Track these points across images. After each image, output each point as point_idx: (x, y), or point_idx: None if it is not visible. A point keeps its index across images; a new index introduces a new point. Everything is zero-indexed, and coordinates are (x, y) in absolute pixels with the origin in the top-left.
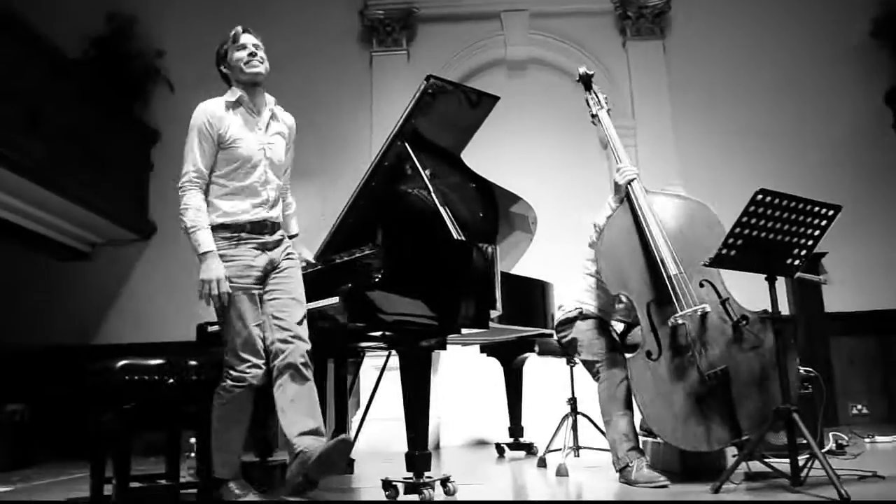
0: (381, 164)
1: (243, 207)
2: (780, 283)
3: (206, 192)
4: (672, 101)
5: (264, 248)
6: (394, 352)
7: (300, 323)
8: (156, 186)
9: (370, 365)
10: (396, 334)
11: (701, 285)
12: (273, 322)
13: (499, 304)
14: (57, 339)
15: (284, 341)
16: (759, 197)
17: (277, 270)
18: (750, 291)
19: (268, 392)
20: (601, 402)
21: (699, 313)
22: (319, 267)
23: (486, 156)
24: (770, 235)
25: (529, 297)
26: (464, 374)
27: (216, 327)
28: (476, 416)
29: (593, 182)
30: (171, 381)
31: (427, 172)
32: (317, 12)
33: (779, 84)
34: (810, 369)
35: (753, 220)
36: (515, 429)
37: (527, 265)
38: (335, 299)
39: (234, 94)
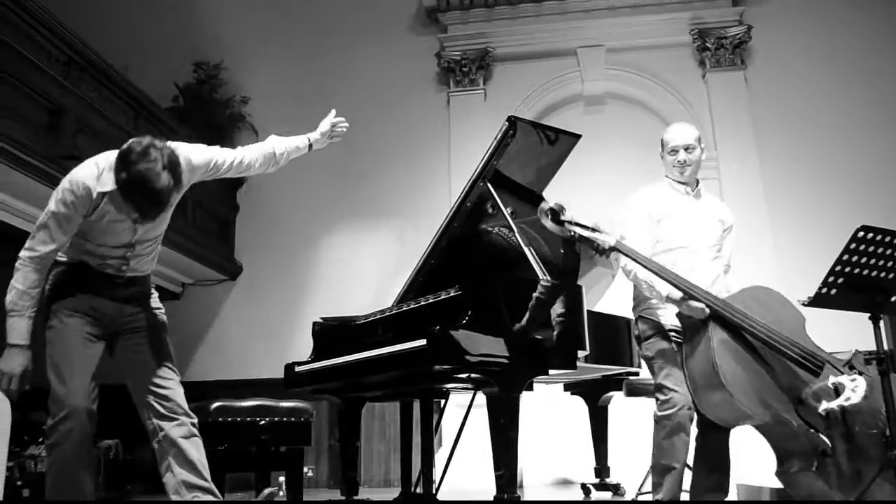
0: (463, 205)
1: (97, 261)
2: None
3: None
4: (755, 132)
5: (112, 299)
6: (480, 391)
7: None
8: (242, 228)
9: (453, 402)
10: (483, 376)
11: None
12: (148, 394)
13: (587, 344)
14: None
15: (168, 414)
16: (861, 234)
17: (138, 329)
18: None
19: (354, 428)
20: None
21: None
22: (404, 309)
23: (566, 192)
24: (873, 273)
25: (615, 335)
26: (548, 413)
27: (305, 367)
28: (560, 455)
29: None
30: (263, 422)
31: (509, 210)
32: (395, 56)
33: (867, 112)
34: None
35: (854, 258)
36: (601, 469)
37: (609, 302)
38: (422, 341)
39: (106, 185)
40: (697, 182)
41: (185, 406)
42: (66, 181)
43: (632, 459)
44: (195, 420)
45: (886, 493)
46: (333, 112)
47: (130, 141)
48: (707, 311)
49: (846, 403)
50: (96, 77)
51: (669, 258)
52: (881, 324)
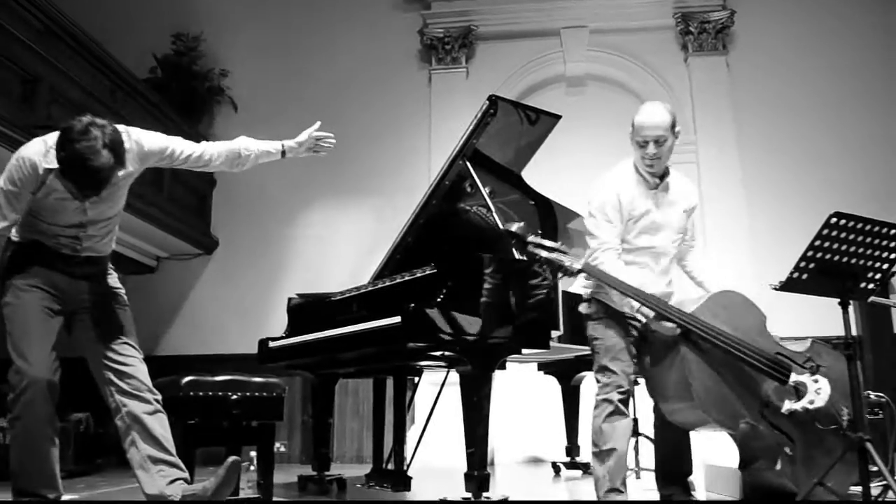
0: (442, 183)
1: (51, 241)
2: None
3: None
4: (735, 116)
5: (71, 275)
6: (453, 369)
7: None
8: (219, 202)
9: (427, 381)
10: (457, 354)
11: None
12: (109, 371)
13: (560, 325)
14: None
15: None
16: (834, 220)
17: (97, 306)
18: (811, 314)
19: (327, 404)
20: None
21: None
22: (379, 286)
23: (546, 172)
24: (844, 259)
25: None
26: (520, 392)
27: (278, 342)
28: (532, 434)
29: None
30: (235, 397)
31: (487, 190)
32: (377, 32)
33: (846, 99)
34: (881, 394)
35: (827, 244)
36: (572, 448)
37: (584, 282)
38: (397, 318)
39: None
40: (667, 169)
41: (148, 382)
42: (14, 157)
43: None
44: (159, 396)
45: (841, 478)
46: (318, 124)
47: (73, 119)
48: (678, 330)
49: (810, 406)
50: (72, 46)
51: (634, 258)
52: (850, 309)
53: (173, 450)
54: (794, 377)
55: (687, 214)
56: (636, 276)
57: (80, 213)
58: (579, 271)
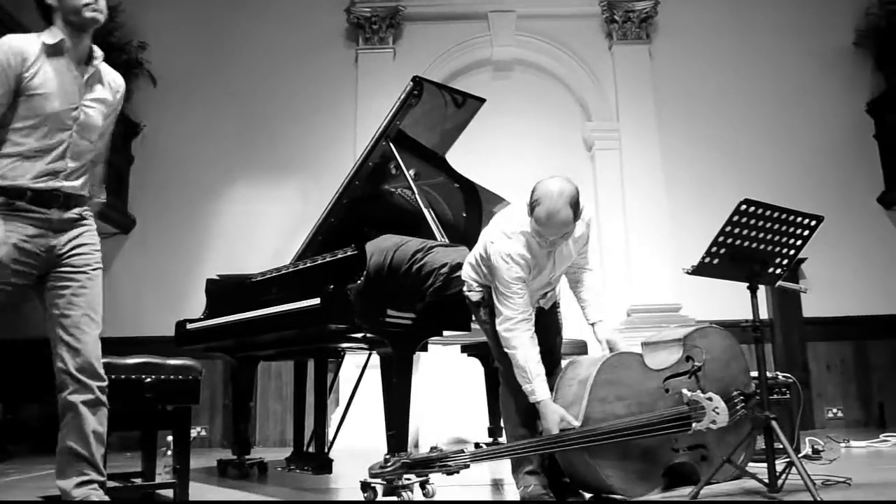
0: (365, 164)
1: (28, 170)
2: (760, 289)
3: None
4: (657, 105)
5: (49, 226)
6: (374, 351)
7: (95, 348)
8: (136, 180)
9: (351, 362)
10: (378, 336)
11: (667, 389)
12: (62, 343)
13: None
14: (33, 333)
15: (69, 346)
16: (744, 207)
17: (69, 267)
18: (731, 298)
19: (247, 387)
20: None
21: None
22: (300, 267)
23: (470, 156)
24: (753, 245)
25: None
26: (444, 374)
27: (196, 324)
28: (456, 415)
29: (576, 184)
30: (149, 380)
31: (411, 172)
32: (302, 9)
33: (762, 91)
34: (788, 375)
35: (737, 230)
36: (495, 429)
37: None
38: (316, 300)
39: (55, 35)
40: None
41: (99, 366)
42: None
43: None
44: (105, 383)
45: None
46: None
47: None
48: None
49: (714, 427)
50: None
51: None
52: (760, 294)
53: (100, 449)
54: (687, 394)
55: (579, 246)
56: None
57: (74, 113)
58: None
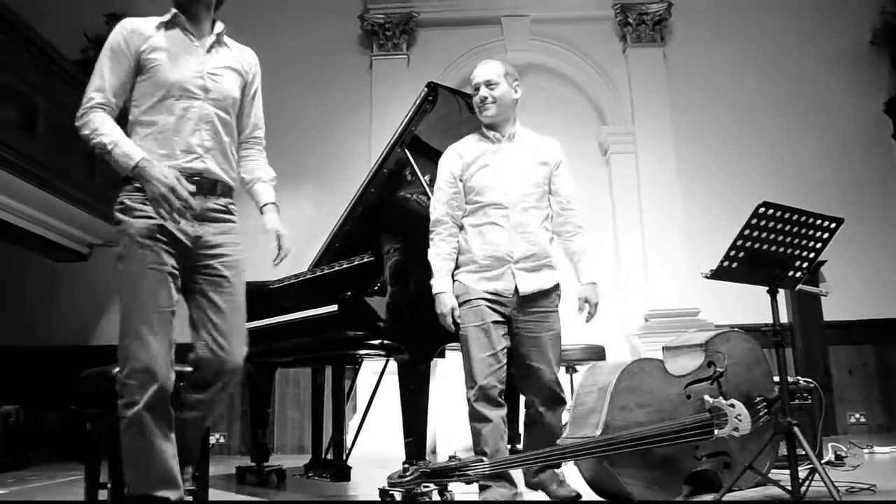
0: (381, 171)
1: (167, 153)
2: (779, 292)
3: (128, 135)
4: (672, 108)
5: (194, 215)
6: (391, 358)
7: (239, 336)
8: None
9: (368, 369)
10: (395, 343)
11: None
12: (205, 326)
13: None
14: (54, 340)
15: (216, 353)
16: (762, 210)
17: (217, 268)
18: (750, 302)
19: (265, 393)
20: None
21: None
22: (317, 274)
23: None
24: (772, 248)
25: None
26: (461, 380)
27: None
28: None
29: (592, 188)
30: None
31: (427, 178)
32: (316, 16)
33: (779, 93)
34: (809, 380)
35: (756, 233)
36: (513, 435)
37: None
38: (334, 307)
39: (169, 13)
40: (515, 124)
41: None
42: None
43: None
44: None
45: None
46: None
47: None
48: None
49: (737, 434)
50: None
51: (483, 216)
52: (780, 297)
53: (191, 461)
54: (709, 401)
55: (545, 168)
56: (489, 235)
57: (198, 80)
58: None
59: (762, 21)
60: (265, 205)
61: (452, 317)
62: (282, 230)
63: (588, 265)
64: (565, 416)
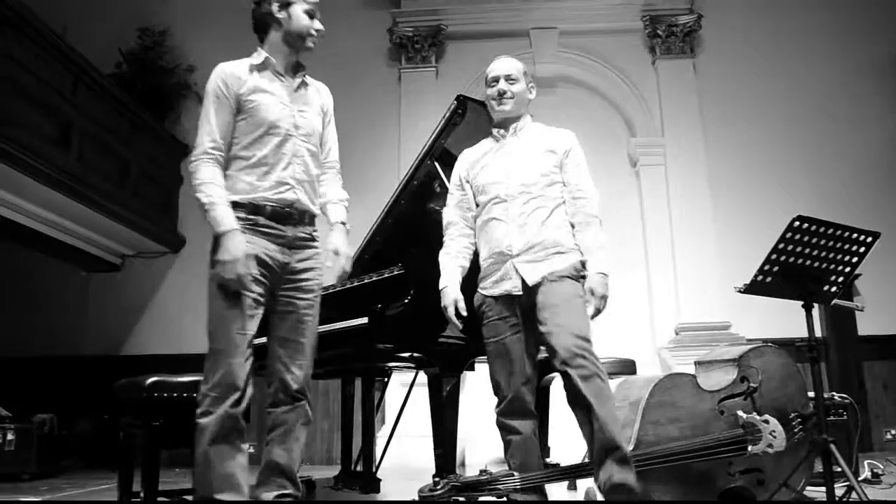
0: (410, 183)
1: (264, 184)
2: (814, 306)
3: (226, 167)
4: (702, 119)
5: (284, 243)
6: (421, 370)
7: (307, 360)
8: (186, 200)
9: (397, 381)
10: (425, 355)
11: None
12: (281, 363)
13: None
14: (86, 350)
15: (287, 370)
16: (797, 224)
17: (298, 291)
18: (782, 315)
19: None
20: None
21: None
22: (347, 286)
23: None
24: (807, 262)
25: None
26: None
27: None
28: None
29: (621, 199)
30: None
31: None
32: (346, 30)
33: (809, 104)
34: (844, 395)
35: (790, 247)
36: (542, 449)
37: None
38: (364, 319)
39: (260, 56)
40: (524, 120)
41: (307, 386)
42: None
43: (571, 439)
44: (306, 401)
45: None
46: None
47: None
48: None
49: (771, 451)
50: (33, 38)
51: (486, 213)
52: (814, 312)
53: (297, 465)
54: (742, 416)
55: (552, 157)
56: (490, 231)
57: (290, 118)
58: None
59: (793, 32)
60: (334, 224)
61: (457, 310)
62: (341, 249)
63: (597, 256)
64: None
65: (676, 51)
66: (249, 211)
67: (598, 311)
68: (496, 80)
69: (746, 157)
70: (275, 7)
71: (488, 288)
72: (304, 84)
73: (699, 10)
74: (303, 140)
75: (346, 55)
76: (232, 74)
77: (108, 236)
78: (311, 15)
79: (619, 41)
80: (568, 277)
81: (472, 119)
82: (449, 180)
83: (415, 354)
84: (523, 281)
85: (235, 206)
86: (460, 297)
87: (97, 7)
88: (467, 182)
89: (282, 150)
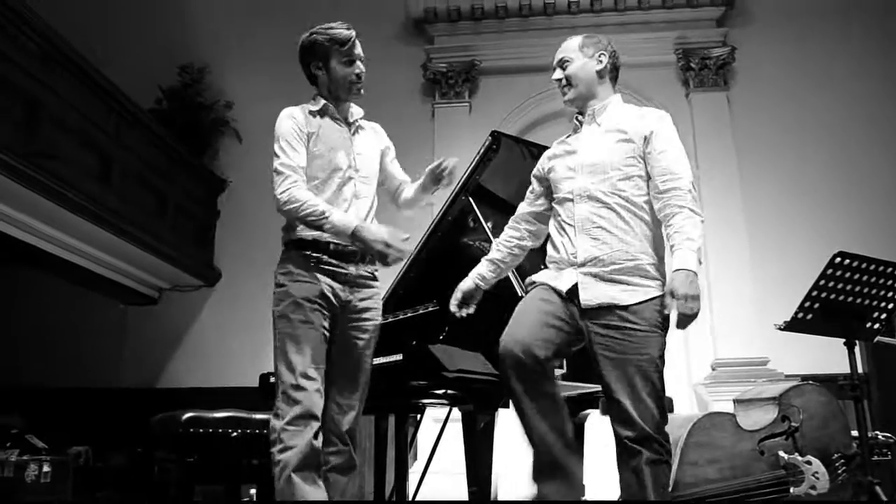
0: (445, 218)
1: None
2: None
3: None
4: (737, 151)
5: (345, 280)
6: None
7: (357, 400)
8: (222, 234)
9: (430, 416)
10: (460, 392)
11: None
12: (334, 403)
13: (563, 363)
14: (123, 382)
15: (338, 409)
16: (838, 260)
17: (357, 331)
18: (821, 352)
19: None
20: None
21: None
22: (382, 322)
23: None
24: (849, 299)
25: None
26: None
27: None
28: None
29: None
30: (235, 434)
31: (489, 224)
32: (380, 65)
33: (845, 135)
34: (889, 434)
35: (831, 284)
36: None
37: None
38: (398, 356)
39: (318, 103)
40: (605, 100)
41: (354, 430)
42: (277, 125)
43: (605, 476)
44: (350, 447)
45: None
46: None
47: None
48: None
49: (814, 493)
50: (76, 75)
51: (556, 215)
52: (859, 348)
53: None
54: (784, 457)
55: (630, 146)
56: (554, 237)
57: (350, 161)
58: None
59: (828, 63)
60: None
61: (458, 298)
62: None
63: (679, 252)
64: None
65: (710, 83)
66: (314, 249)
67: (685, 319)
68: (553, 70)
69: (783, 189)
70: (313, 68)
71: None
72: (360, 128)
73: (732, 42)
74: (362, 182)
75: (380, 91)
76: (298, 118)
77: (146, 270)
78: (349, 63)
79: (652, 74)
80: (646, 330)
81: (505, 154)
82: (482, 215)
83: (449, 391)
84: (577, 292)
85: (301, 243)
86: (468, 286)
87: (138, 44)
88: (545, 179)
89: (342, 192)
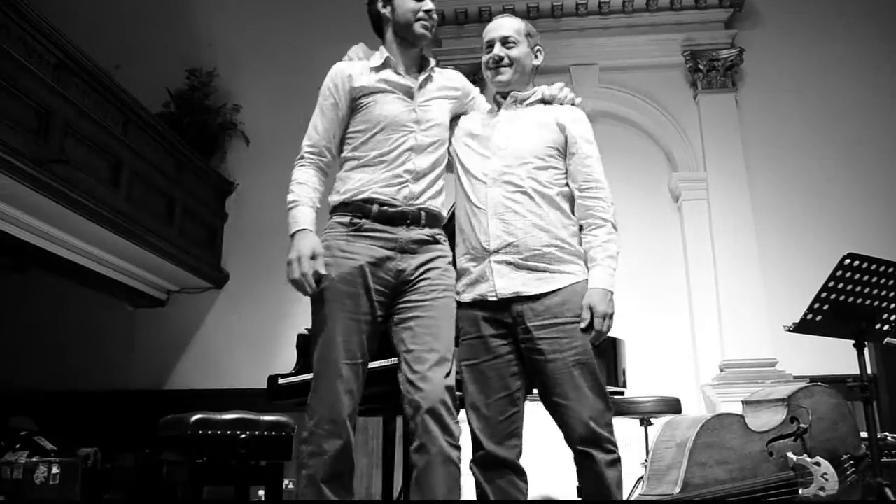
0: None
1: (373, 178)
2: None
3: (340, 168)
4: (745, 153)
5: (396, 247)
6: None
7: (433, 369)
8: (230, 236)
9: None
10: None
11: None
12: (408, 382)
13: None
14: (131, 384)
15: (413, 385)
16: (847, 262)
17: (417, 297)
18: (829, 353)
19: None
20: None
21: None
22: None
23: None
24: (858, 300)
25: (601, 354)
26: (530, 430)
27: (287, 380)
28: (543, 472)
29: (663, 234)
30: (243, 436)
31: None
32: None
33: (854, 137)
34: None
35: (841, 285)
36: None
37: None
38: None
39: (381, 55)
40: (529, 89)
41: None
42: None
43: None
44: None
45: None
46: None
47: None
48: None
49: (823, 494)
50: (87, 81)
51: (465, 198)
52: (866, 350)
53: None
54: (792, 458)
55: (550, 135)
56: (467, 220)
57: (410, 113)
58: None
59: (836, 65)
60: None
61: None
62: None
63: (600, 268)
64: (641, 471)
65: (718, 85)
66: (354, 212)
67: (597, 335)
68: (491, 44)
69: (791, 190)
70: (380, 4)
71: (465, 291)
72: (429, 78)
73: (741, 44)
74: (423, 132)
75: None
76: (342, 73)
77: (155, 272)
78: None
79: (660, 76)
80: (575, 322)
81: None
82: None
83: (458, 392)
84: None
85: (341, 206)
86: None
87: (147, 48)
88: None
89: (399, 145)
